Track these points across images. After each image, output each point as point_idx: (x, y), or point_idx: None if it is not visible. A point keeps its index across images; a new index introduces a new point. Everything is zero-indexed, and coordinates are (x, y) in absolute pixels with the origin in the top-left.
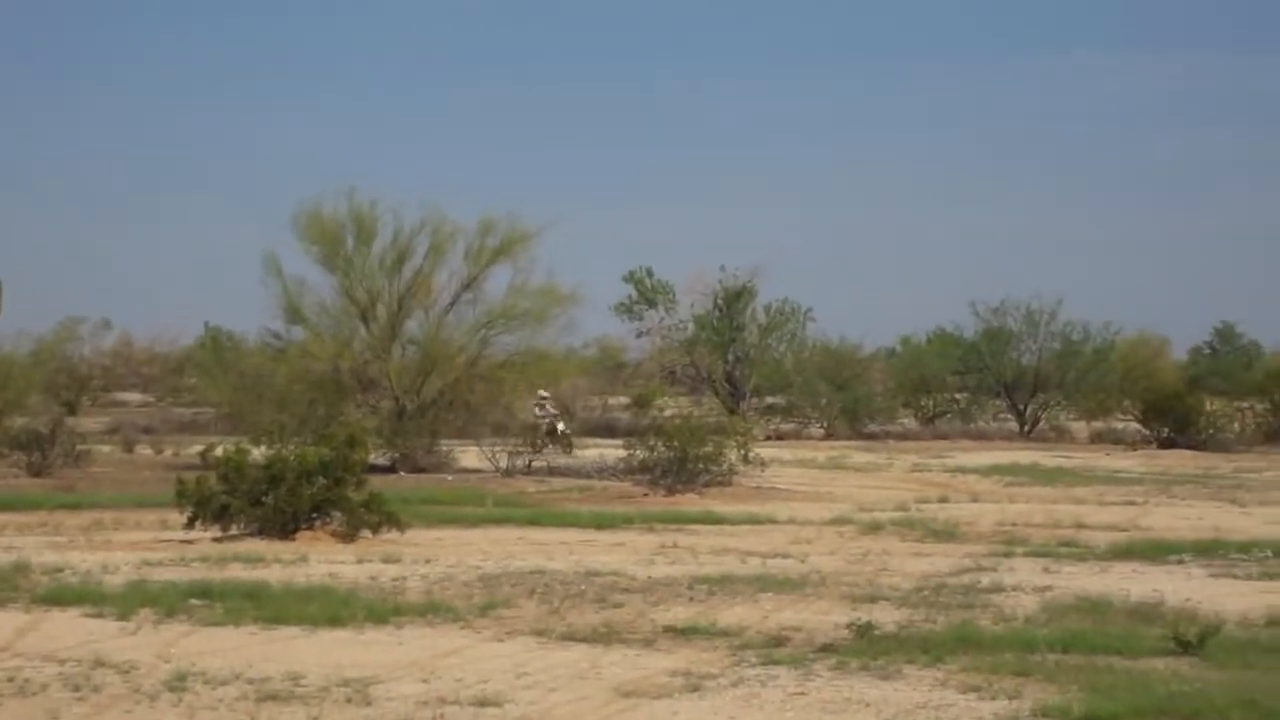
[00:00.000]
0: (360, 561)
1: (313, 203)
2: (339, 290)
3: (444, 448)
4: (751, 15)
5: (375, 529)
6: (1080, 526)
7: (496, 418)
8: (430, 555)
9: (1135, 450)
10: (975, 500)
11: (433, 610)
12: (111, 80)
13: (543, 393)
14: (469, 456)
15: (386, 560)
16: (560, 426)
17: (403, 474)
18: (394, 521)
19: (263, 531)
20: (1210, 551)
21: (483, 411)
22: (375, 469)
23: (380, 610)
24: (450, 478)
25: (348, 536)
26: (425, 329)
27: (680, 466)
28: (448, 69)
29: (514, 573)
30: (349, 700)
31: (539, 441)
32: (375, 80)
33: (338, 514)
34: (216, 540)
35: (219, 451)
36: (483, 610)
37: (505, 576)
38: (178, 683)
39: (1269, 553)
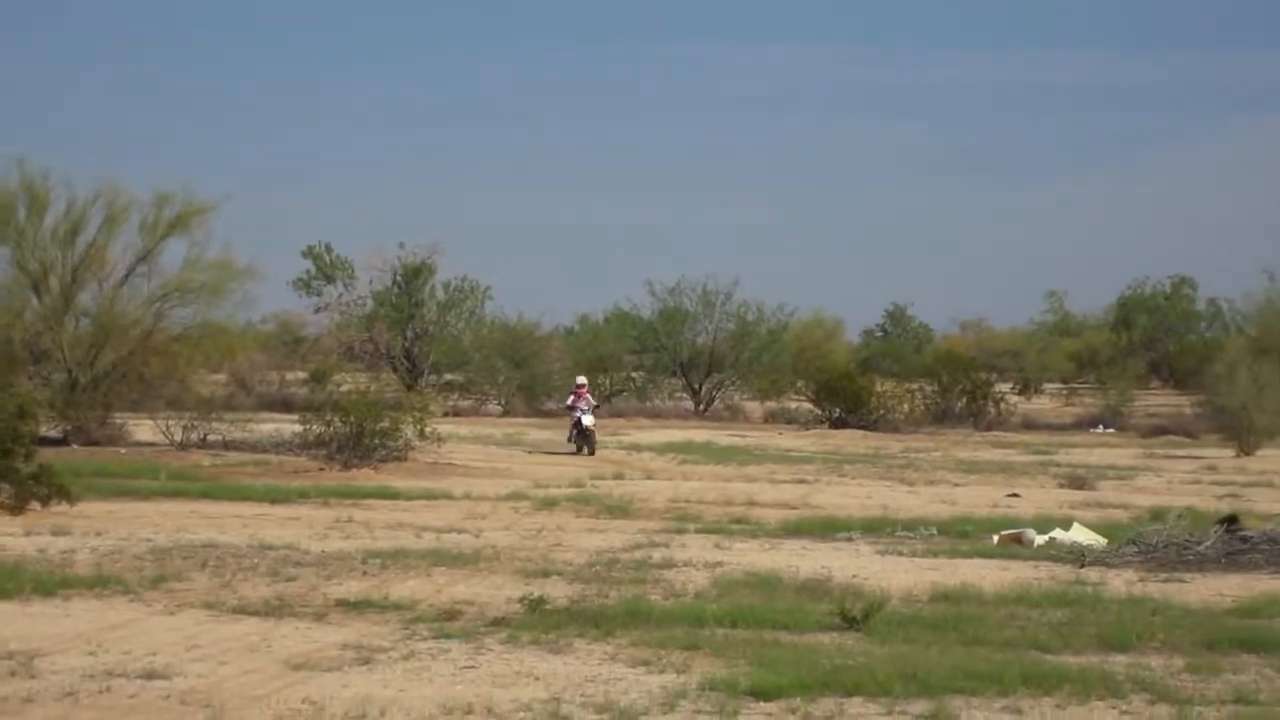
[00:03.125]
0: (28, 534)
1: None
2: (10, 261)
3: (118, 420)
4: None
5: (44, 501)
6: (752, 504)
7: (171, 391)
8: (101, 528)
9: (807, 430)
10: (650, 477)
11: (102, 583)
12: None
13: (580, 379)
14: (143, 430)
15: (56, 532)
16: (589, 422)
17: (75, 446)
18: (64, 494)
19: None
20: (878, 529)
21: (158, 384)
22: (47, 441)
23: (47, 582)
24: (124, 451)
25: (16, 509)
26: (99, 301)
27: (356, 442)
28: (137, 37)
29: (186, 546)
30: (12, 673)
31: (570, 436)
32: (50, 47)
33: (5, 485)
34: None
35: None
36: (153, 583)
37: (177, 549)
38: None
39: (934, 530)
